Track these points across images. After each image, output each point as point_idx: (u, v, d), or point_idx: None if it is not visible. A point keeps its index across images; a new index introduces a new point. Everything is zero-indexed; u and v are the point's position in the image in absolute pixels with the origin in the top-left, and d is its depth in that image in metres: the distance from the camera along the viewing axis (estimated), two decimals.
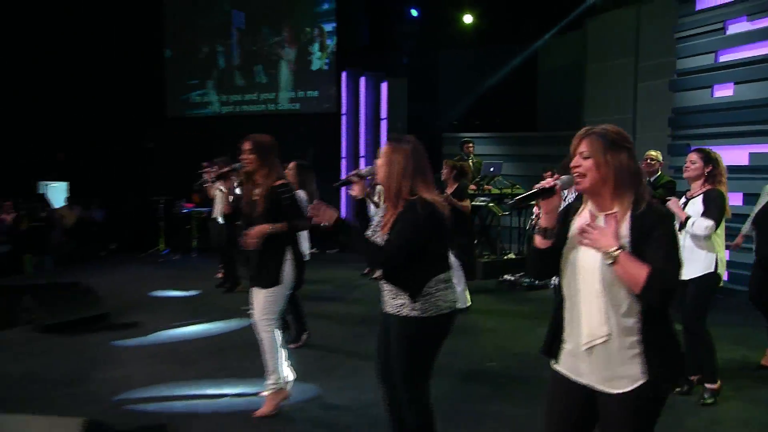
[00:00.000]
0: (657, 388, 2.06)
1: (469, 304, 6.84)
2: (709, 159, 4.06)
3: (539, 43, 12.42)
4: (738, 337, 5.66)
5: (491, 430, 3.81)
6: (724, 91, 8.62)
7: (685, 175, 4.16)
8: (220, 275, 8.39)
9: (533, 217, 8.57)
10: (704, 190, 4.06)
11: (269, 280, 3.86)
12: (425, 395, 2.92)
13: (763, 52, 8.04)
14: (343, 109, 13.46)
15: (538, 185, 2.19)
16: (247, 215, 3.95)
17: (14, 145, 13.81)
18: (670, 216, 2.14)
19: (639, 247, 2.02)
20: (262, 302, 3.89)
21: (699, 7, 8.97)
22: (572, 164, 2.15)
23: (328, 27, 13.84)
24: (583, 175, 2.11)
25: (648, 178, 6.52)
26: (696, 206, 4.03)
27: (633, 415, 2.07)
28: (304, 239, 5.72)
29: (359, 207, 3.06)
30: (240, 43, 14.83)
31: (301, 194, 5.70)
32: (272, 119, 14.05)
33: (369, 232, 2.95)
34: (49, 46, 13.90)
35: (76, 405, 4.16)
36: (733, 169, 6.90)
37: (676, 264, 2.04)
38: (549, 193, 2.15)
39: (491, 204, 9.42)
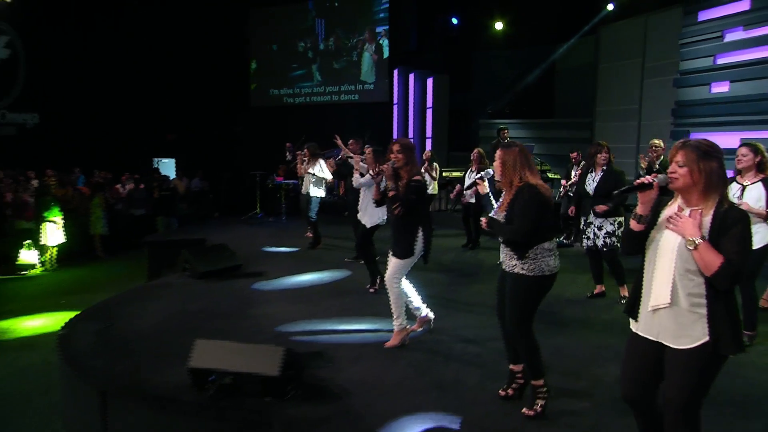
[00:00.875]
0: (717, 347, 2.03)
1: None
2: (758, 150, 3.87)
3: (563, 49, 12.27)
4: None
5: (563, 359, 3.85)
6: (721, 88, 8.54)
7: (738, 166, 3.93)
8: (309, 235, 8.48)
9: (560, 190, 8.65)
10: (760, 177, 3.86)
11: (403, 252, 3.96)
12: (530, 332, 3.12)
13: (755, 56, 7.95)
14: (395, 100, 13.51)
15: (638, 181, 2.18)
16: (390, 199, 4.04)
17: (134, 128, 14.16)
18: (748, 217, 2.06)
19: (717, 239, 2.00)
20: (395, 266, 3.98)
21: (701, 18, 8.82)
22: (669, 170, 2.12)
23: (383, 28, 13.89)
24: (676, 178, 2.09)
25: (654, 162, 6.37)
26: (754, 192, 3.86)
27: (695, 369, 2.05)
28: (380, 210, 5.51)
29: (485, 199, 3.28)
30: (323, 43, 14.89)
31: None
32: (335, 108, 14.18)
33: (492, 213, 3.20)
34: (162, 51, 14.10)
35: (249, 334, 4.23)
36: (727, 152, 6.89)
37: (747, 258, 2.02)
38: (647, 187, 2.14)
39: None
